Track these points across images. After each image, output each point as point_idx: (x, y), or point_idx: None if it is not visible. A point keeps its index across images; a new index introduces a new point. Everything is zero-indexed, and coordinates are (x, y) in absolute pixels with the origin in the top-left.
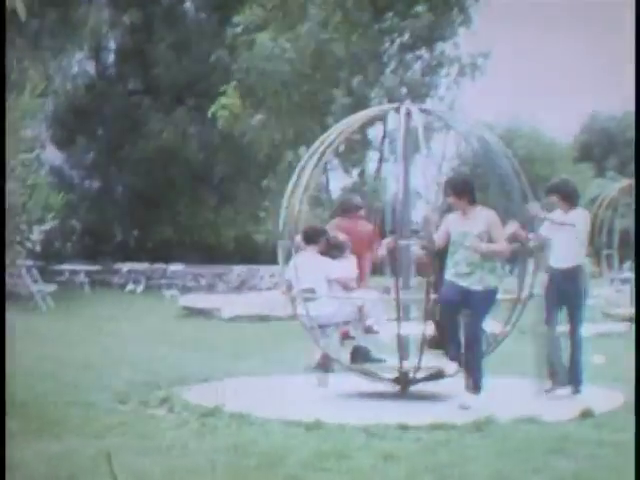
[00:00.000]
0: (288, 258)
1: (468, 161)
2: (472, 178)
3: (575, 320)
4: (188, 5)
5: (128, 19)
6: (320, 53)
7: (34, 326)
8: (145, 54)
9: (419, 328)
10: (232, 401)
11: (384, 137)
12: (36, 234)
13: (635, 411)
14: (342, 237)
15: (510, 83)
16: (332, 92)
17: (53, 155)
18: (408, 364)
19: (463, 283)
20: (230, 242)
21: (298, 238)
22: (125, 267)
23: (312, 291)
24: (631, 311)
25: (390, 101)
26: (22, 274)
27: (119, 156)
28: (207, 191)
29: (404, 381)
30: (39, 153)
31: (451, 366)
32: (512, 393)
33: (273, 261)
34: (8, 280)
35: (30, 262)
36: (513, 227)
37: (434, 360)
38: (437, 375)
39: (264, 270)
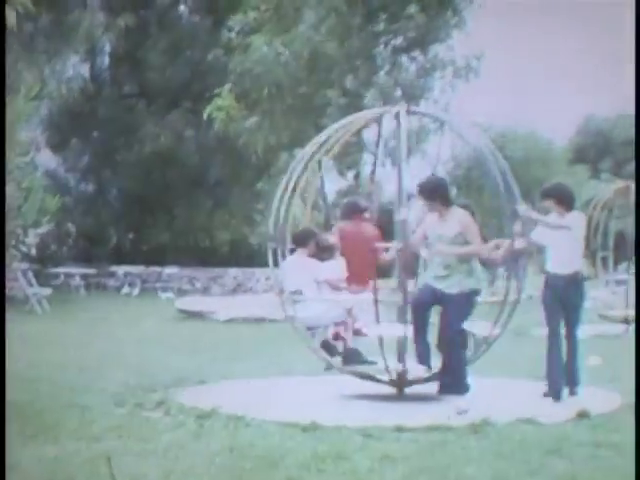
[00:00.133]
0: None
1: (463, 164)
2: (445, 180)
3: (572, 324)
4: (182, 8)
5: (122, 22)
6: (314, 56)
7: (30, 329)
8: (139, 57)
9: (405, 330)
10: (228, 403)
11: (379, 139)
12: (31, 237)
13: (635, 412)
14: (332, 240)
15: (505, 85)
16: (327, 94)
17: (48, 158)
18: (395, 366)
19: (439, 286)
20: (225, 245)
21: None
22: (120, 270)
23: (300, 293)
24: (627, 313)
25: (384, 103)
26: (18, 277)
27: (114, 159)
28: (202, 194)
29: (401, 383)
30: (34, 156)
31: (419, 369)
32: (509, 394)
33: (268, 264)
34: None
35: (25, 265)
36: (498, 242)
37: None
38: (434, 377)
39: (259, 273)
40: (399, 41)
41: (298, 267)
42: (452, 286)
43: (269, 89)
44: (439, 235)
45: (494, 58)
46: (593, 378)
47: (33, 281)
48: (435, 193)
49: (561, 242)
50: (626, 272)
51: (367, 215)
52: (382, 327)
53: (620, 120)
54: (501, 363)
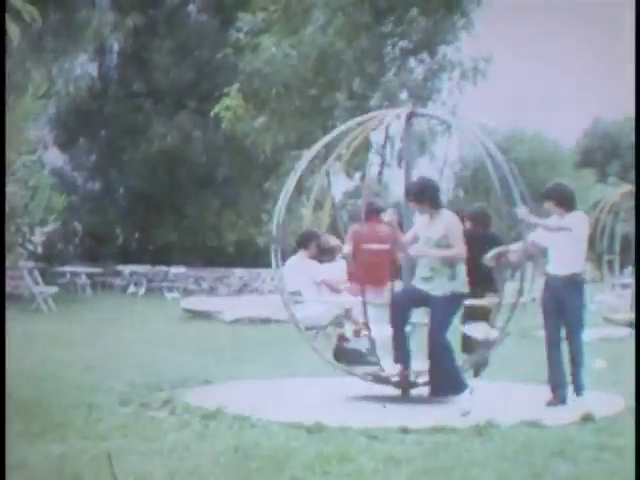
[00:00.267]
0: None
1: (470, 165)
2: (434, 183)
3: (573, 326)
4: (191, 8)
5: (131, 22)
6: (322, 57)
7: (36, 328)
8: (147, 57)
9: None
10: (234, 403)
11: (386, 141)
12: (38, 236)
13: (635, 415)
14: (332, 242)
15: (513, 87)
16: (335, 96)
17: (55, 157)
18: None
19: (424, 287)
20: (232, 245)
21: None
22: (127, 269)
23: (299, 294)
24: (632, 316)
25: (391, 105)
26: (24, 276)
27: (121, 158)
28: (209, 194)
29: (405, 384)
30: (41, 155)
31: (394, 368)
32: (513, 397)
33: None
34: (9, 282)
35: (32, 264)
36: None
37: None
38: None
39: (265, 273)
40: (406, 43)
41: (298, 268)
42: (436, 288)
43: (277, 89)
44: (427, 237)
45: (502, 60)
46: (598, 381)
47: (39, 279)
48: (423, 195)
49: (561, 243)
50: (632, 275)
51: (386, 216)
52: (377, 328)
53: (628, 123)
54: (506, 365)
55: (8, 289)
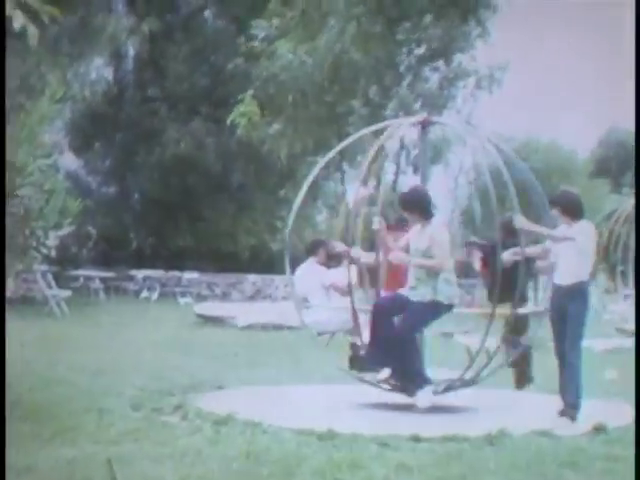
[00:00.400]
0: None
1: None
2: (426, 193)
3: (572, 336)
4: (207, 14)
5: (147, 27)
6: (337, 64)
7: (48, 331)
8: (163, 62)
9: None
10: (246, 409)
11: (401, 149)
12: (52, 239)
13: (635, 423)
14: (339, 248)
15: (528, 95)
16: (350, 103)
17: (70, 161)
18: None
19: (407, 294)
20: (246, 251)
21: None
22: (140, 274)
23: (307, 299)
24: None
25: (406, 113)
26: (37, 279)
27: (136, 163)
28: (224, 200)
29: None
30: (57, 159)
31: (385, 372)
32: (525, 406)
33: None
34: (23, 285)
35: (45, 267)
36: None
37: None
38: (452, 387)
39: (279, 280)
40: (422, 50)
41: (308, 274)
42: (416, 295)
43: (293, 96)
44: (416, 247)
45: (517, 69)
46: (609, 391)
47: (52, 283)
48: (414, 205)
49: (565, 253)
50: (632, 283)
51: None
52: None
53: None
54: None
55: (21, 292)
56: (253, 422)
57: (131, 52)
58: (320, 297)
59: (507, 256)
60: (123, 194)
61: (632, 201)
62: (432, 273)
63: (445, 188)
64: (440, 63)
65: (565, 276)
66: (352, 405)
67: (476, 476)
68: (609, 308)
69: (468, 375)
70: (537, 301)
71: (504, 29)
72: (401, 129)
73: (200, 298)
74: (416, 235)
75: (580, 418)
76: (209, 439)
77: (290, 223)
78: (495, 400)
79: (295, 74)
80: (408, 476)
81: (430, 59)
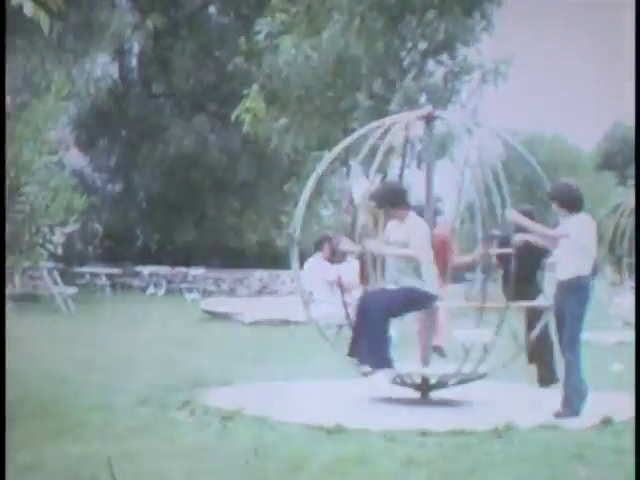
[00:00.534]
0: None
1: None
2: (395, 186)
3: (570, 331)
4: (211, 10)
5: (151, 23)
6: (342, 59)
7: (55, 328)
8: (167, 58)
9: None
10: (253, 405)
11: (406, 143)
12: (58, 236)
13: (635, 417)
14: (344, 243)
15: (533, 89)
16: (355, 97)
17: (76, 158)
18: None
19: (389, 287)
20: (252, 247)
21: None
22: (146, 270)
23: (312, 294)
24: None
25: (410, 107)
26: (43, 276)
27: (141, 159)
28: (229, 195)
29: (425, 387)
30: (62, 156)
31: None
32: (532, 400)
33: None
34: (29, 282)
35: (51, 264)
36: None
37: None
38: (460, 382)
39: (285, 275)
40: (426, 45)
41: (312, 269)
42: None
43: (298, 91)
44: (395, 240)
45: (523, 62)
46: (616, 384)
47: (59, 280)
48: (383, 199)
49: (563, 247)
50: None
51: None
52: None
53: None
54: (525, 369)
55: (28, 289)
56: (260, 418)
57: (136, 48)
58: (324, 292)
59: (518, 238)
60: (129, 191)
61: (633, 195)
62: (412, 265)
63: (451, 182)
64: (444, 57)
65: (563, 271)
66: (360, 400)
67: (484, 470)
68: (615, 300)
69: (481, 369)
70: (546, 296)
71: (508, 23)
72: (406, 123)
73: (206, 294)
74: (393, 228)
75: (587, 411)
76: (216, 435)
77: (300, 218)
78: (502, 394)
79: (299, 69)
80: (416, 471)
81: (434, 53)
